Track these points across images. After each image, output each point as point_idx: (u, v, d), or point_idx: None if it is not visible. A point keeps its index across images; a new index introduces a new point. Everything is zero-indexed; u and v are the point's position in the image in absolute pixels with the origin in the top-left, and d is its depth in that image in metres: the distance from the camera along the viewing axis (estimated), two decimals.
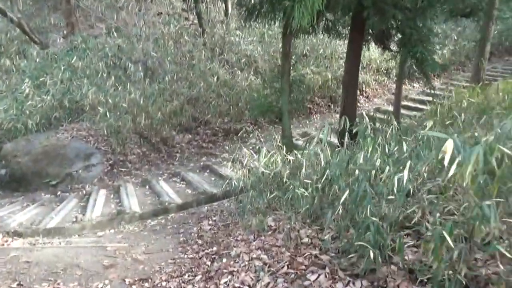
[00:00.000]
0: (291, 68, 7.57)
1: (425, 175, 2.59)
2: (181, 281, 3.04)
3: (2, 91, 8.56)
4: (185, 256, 3.63)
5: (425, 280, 1.97)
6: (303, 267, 2.45)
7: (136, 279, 3.28)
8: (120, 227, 5.24)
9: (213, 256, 3.28)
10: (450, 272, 1.87)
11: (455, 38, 12.09)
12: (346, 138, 3.86)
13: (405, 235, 2.36)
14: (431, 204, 2.28)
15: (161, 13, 11.56)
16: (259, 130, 8.62)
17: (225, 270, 2.81)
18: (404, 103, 8.86)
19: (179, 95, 8.66)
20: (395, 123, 3.83)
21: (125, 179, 7.04)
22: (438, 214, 2.24)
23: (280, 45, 9.72)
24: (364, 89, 10.36)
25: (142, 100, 7.93)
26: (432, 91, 7.65)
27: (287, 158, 4.12)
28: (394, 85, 10.36)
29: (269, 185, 3.98)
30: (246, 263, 2.75)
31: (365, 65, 10.49)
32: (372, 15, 5.02)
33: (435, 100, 7.69)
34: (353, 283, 2.16)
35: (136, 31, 10.16)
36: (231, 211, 4.63)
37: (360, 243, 2.19)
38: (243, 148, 6.07)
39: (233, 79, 9.47)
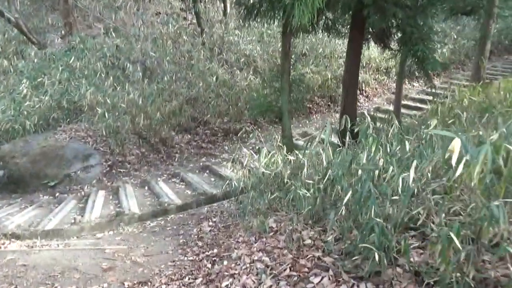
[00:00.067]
0: (291, 67, 7.51)
1: (429, 175, 2.55)
2: (181, 284, 2.99)
3: (0, 92, 8.50)
4: (185, 258, 3.58)
5: (432, 283, 1.92)
6: (306, 269, 2.40)
7: (135, 282, 3.22)
8: (119, 228, 5.18)
9: (213, 259, 3.23)
10: (458, 274, 1.82)
11: (455, 37, 12.05)
12: (347, 138, 3.83)
13: (410, 236, 2.32)
14: (436, 204, 2.23)
15: (160, 12, 11.50)
16: (259, 130, 8.56)
17: (226, 273, 2.75)
18: (404, 102, 8.82)
19: (178, 95, 8.60)
20: (397, 122, 3.79)
21: (124, 180, 6.98)
22: (443, 215, 2.20)
23: (279, 45, 9.69)
24: (363, 88, 10.32)
25: (141, 100, 7.88)
26: (433, 90, 7.60)
27: (288, 158, 4.07)
28: (394, 84, 10.34)
29: (269, 186, 3.93)
30: (248, 265, 2.70)
31: (364, 64, 10.45)
32: (372, 13, 4.98)
33: (435, 99, 7.66)
34: (358, 286, 2.11)
35: (135, 31, 10.11)
36: (231, 212, 4.58)
37: (364, 245, 2.14)
38: (243, 148, 6.04)
39: (232, 79, 9.42)
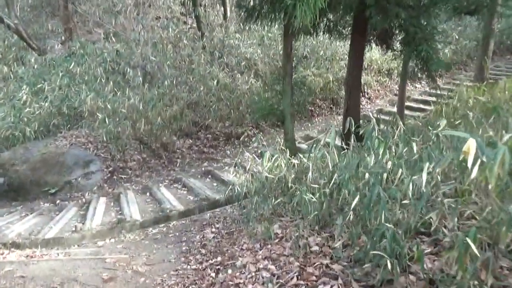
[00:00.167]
0: (293, 70, 7.45)
1: (439, 177, 2.46)
2: None
3: (0, 99, 8.45)
4: (188, 267, 3.48)
5: None
6: (314, 278, 2.31)
7: None
8: (121, 236, 5.09)
9: (217, 267, 3.13)
10: (476, 282, 1.72)
11: (456, 37, 11.99)
12: (352, 140, 3.75)
13: (421, 242, 2.23)
14: (449, 208, 2.14)
15: (160, 17, 11.46)
16: (261, 133, 8.48)
17: (230, 282, 2.66)
18: (407, 103, 8.74)
19: (179, 99, 8.53)
20: (401, 123, 3.71)
21: (125, 186, 6.90)
22: (455, 219, 2.11)
23: (280, 48, 9.66)
24: (365, 90, 10.25)
25: (142, 105, 7.81)
26: (438, 91, 7.52)
27: (292, 162, 3.99)
28: (396, 86, 10.27)
29: (273, 191, 3.85)
30: (253, 274, 2.61)
31: (366, 66, 10.38)
32: (374, 14, 4.90)
33: (439, 100, 7.57)
34: None
35: (135, 35, 10.06)
36: (234, 218, 4.48)
37: (375, 252, 2.05)
38: (245, 152, 5.95)
39: (233, 83, 9.35)
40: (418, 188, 2.37)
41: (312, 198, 2.96)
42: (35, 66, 9.53)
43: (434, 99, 8.79)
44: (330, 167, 3.23)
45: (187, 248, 4.09)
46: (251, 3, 5.80)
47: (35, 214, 5.93)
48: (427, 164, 2.08)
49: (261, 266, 2.65)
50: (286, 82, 6.02)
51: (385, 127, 4.50)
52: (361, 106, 9.11)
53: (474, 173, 1.72)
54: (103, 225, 5.32)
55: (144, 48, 9.58)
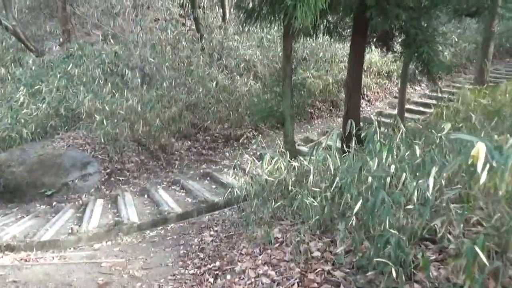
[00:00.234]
0: (292, 71, 7.39)
1: (443, 182, 2.40)
2: None
3: None
4: (186, 271, 3.41)
5: None
6: (315, 284, 2.24)
7: None
8: (118, 238, 5.01)
9: (216, 272, 3.06)
10: None
11: (456, 40, 11.96)
12: (353, 143, 3.69)
13: (425, 248, 2.17)
14: (455, 214, 2.08)
15: (158, 19, 11.41)
16: (260, 135, 8.41)
17: None
18: (407, 106, 8.69)
19: (178, 101, 8.46)
20: (402, 126, 3.65)
21: (123, 188, 6.82)
22: (461, 226, 2.05)
23: (279, 50, 9.60)
24: (365, 92, 10.19)
25: (140, 107, 7.73)
26: (440, 94, 7.48)
27: (292, 165, 3.92)
28: (396, 89, 10.23)
29: (273, 194, 3.78)
30: (253, 280, 2.54)
31: (366, 68, 10.33)
32: (375, 15, 4.85)
33: (440, 102, 7.52)
34: None
35: (133, 37, 10.00)
36: (233, 221, 4.41)
37: (379, 259, 1.98)
38: (245, 154, 5.89)
39: (233, 84, 9.29)
40: (422, 193, 2.31)
41: (313, 202, 2.90)
42: (33, 68, 9.44)
43: (434, 101, 8.75)
44: (332, 170, 3.17)
45: (185, 251, 4.02)
46: (250, 5, 5.75)
47: (31, 216, 5.85)
48: (434, 168, 2.02)
49: (261, 271, 2.58)
50: (286, 84, 5.97)
51: (386, 130, 4.44)
52: (360, 109, 9.08)
53: (483, 178, 1.66)
54: (100, 228, 5.24)
55: (142, 49, 9.51)
